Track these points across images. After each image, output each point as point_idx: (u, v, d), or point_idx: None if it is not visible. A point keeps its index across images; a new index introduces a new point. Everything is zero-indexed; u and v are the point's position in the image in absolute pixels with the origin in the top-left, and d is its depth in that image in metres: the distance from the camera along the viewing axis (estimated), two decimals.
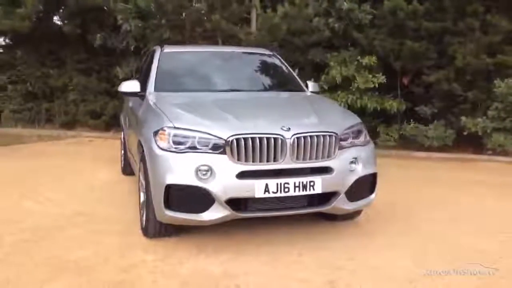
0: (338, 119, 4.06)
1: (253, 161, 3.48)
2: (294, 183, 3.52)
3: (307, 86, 5.17)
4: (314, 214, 4.24)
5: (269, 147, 3.49)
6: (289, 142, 3.51)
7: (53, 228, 4.25)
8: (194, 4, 9.99)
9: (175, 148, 3.53)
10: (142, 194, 4.07)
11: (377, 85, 8.88)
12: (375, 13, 9.15)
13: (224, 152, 3.47)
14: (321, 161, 3.65)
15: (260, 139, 3.48)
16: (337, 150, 3.71)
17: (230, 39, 9.79)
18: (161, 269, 3.38)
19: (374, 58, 8.85)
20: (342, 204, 3.80)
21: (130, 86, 4.69)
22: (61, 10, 12.22)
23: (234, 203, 3.51)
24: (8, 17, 11.23)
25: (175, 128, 3.60)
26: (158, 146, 3.60)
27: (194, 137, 3.53)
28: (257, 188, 3.45)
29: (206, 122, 3.64)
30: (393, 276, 3.32)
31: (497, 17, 8.39)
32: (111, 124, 11.48)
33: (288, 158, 3.53)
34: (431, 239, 4.06)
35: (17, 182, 6.16)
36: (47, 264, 3.47)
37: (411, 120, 9.12)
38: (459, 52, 8.47)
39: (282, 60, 5.53)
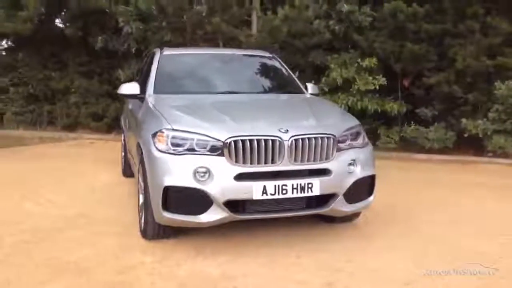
0: (337, 121, 4.07)
1: (251, 163, 3.49)
2: (292, 185, 3.52)
3: (306, 88, 5.18)
4: (313, 216, 4.25)
5: (267, 149, 3.49)
6: (287, 144, 3.52)
7: (53, 230, 4.27)
8: (194, 7, 10.04)
9: (174, 150, 3.54)
10: (141, 196, 4.08)
11: (377, 87, 8.89)
12: (375, 15, 9.17)
13: (222, 154, 3.48)
14: (319, 163, 3.65)
15: (258, 141, 3.49)
16: (335, 152, 3.71)
17: (231, 42, 9.83)
18: (159, 271, 3.39)
19: (374, 60, 8.86)
20: (340, 206, 3.79)
21: (130, 88, 4.71)
22: (63, 13, 12.26)
23: (232, 205, 3.51)
24: (10, 19, 11.29)
25: (173, 130, 3.61)
26: (157, 148, 3.61)
27: (193, 139, 3.54)
28: (255, 190, 3.46)
29: (205, 124, 3.65)
30: (392, 277, 3.32)
31: (497, 19, 8.39)
32: (113, 126, 11.51)
33: (286, 160, 3.53)
34: (431, 241, 4.06)
35: (18, 183, 6.19)
36: (47, 265, 3.49)
37: (412, 122, 9.12)
38: (459, 54, 8.47)
39: (281, 62, 5.55)
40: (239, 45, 9.39)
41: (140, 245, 3.89)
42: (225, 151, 3.47)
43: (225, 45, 9.79)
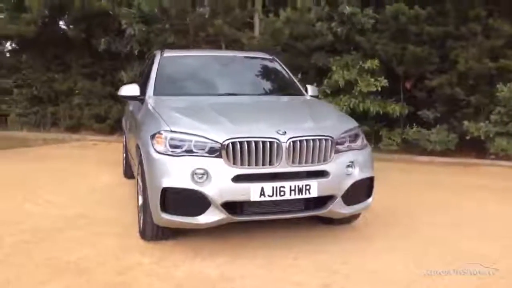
0: (335, 123, 4.07)
1: (248, 165, 3.50)
2: (290, 187, 3.53)
3: (306, 90, 5.18)
4: (311, 218, 4.26)
5: (264, 150, 3.50)
6: (284, 146, 3.53)
7: (53, 230, 4.29)
8: (197, 9, 10.08)
9: (172, 151, 3.56)
10: (140, 197, 4.10)
11: (379, 89, 8.88)
12: (378, 18, 9.17)
13: (220, 156, 3.49)
14: (317, 165, 3.65)
15: (256, 142, 3.50)
16: (333, 153, 3.71)
17: (233, 44, 9.87)
18: (157, 272, 3.40)
19: (376, 62, 8.86)
20: (338, 208, 3.79)
21: (130, 90, 4.74)
22: (66, 15, 12.33)
23: (230, 206, 3.52)
24: (14, 22, 11.38)
25: (171, 131, 3.63)
26: (155, 149, 3.63)
27: (191, 141, 3.55)
28: (252, 192, 3.46)
29: (203, 126, 3.66)
30: (391, 279, 3.32)
31: (499, 21, 8.38)
32: (116, 127, 11.57)
33: (283, 161, 3.54)
34: (431, 243, 4.05)
35: (20, 184, 6.24)
36: (47, 265, 3.50)
37: (414, 124, 9.11)
38: (462, 57, 8.47)
39: (281, 64, 5.55)
40: (241, 47, 9.43)
41: (139, 246, 3.90)
42: (223, 152, 3.48)
43: (227, 47, 9.83)
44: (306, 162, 3.61)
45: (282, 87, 5.34)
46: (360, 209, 4.07)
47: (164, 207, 3.54)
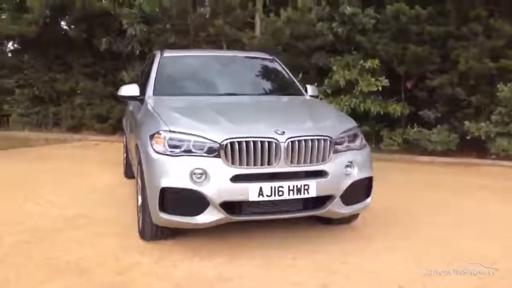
0: (334, 123, 4.07)
1: (247, 165, 3.50)
2: (288, 187, 3.53)
3: (306, 90, 5.19)
4: (310, 218, 4.26)
5: (263, 150, 3.50)
6: (283, 145, 3.53)
7: (53, 230, 4.30)
8: (198, 9, 10.09)
9: (171, 151, 3.56)
10: (139, 197, 4.11)
11: (380, 89, 8.88)
12: (378, 18, 9.16)
13: (218, 156, 3.49)
14: (316, 165, 3.65)
15: (254, 142, 3.50)
16: (331, 154, 3.71)
17: (234, 43, 9.87)
18: (156, 272, 3.41)
19: (376, 61, 8.86)
20: (337, 208, 3.80)
21: (130, 90, 4.75)
22: (67, 16, 12.35)
23: (229, 206, 3.53)
24: (15, 22, 11.41)
25: (170, 131, 3.63)
26: (154, 149, 3.63)
27: (189, 141, 3.56)
28: (251, 192, 3.47)
29: (202, 126, 3.67)
30: (390, 279, 3.32)
31: (500, 21, 8.38)
32: (117, 127, 11.56)
33: (282, 161, 3.54)
34: (432, 243, 4.05)
35: (21, 184, 6.25)
36: (47, 265, 3.51)
37: (415, 124, 9.10)
38: (462, 57, 8.47)
39: (281, 64, 5.55)
40: (242, 47, 9.43)
41: (139, 245, 3.91)
42: (222, 152, 3.49)
43: (228, 47, 9.84)
44: (304, 162, 3.62)
45: (281, 87, 5.35)
46: (359, 209, 4.07)
47: (163, 207, 3.55)
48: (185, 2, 9.76)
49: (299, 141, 3.59)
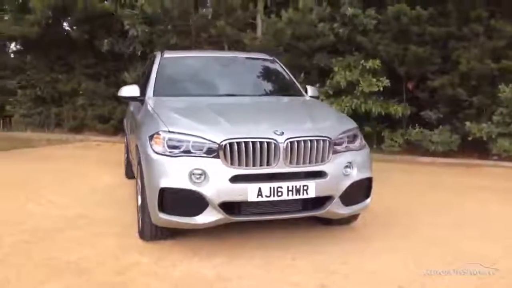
0: (333, 123, 4.06)
1: (246, 165, 3.51)
2: (288, 187, 3.54)
3: (306, 91, 5.19)
4: (310, 218, 4.26)
5: (262, 151, 3.51)
6: (282, 146, 3.53)
7: (53, 230, 4.31)
8: (200, 10, 10.12)
9: (170, 152, 3.57)
10: (139, 197, 4.12)
11: (381, 89, 8.87)
12: (379, 18, 9.16)
13: (217, 156, 3.50)
14: (315, 166, 3.66)
15: (253, 143, 3.50)
16: (331, 154, 3.72)
17: (236, 44, 9.89)
18: (155, 272, 3.41)
19: (377, 62, 8.85)
20: (337, 209, 3.80)
21: (130, 90, 4.76)
22: (69, 17, 12.39)
23: (228, 206, 3.53)
24: (18, 23, 11.45)
25: (169, 132, 3.64)
26: (153, 150, 3.64)
27: (189, 141, 3.57)
28: (250, 192, 3.47)
29: (201, 126, 3.68)
30: (389, 279, 3.32)
31: (501, 22, 8.36)
32: (119, 128, 11.59)
33: (281, 162, 3.55)
34: (432, 243, 4.04)
35: (23, 184, 6.27)
36: (46, 265, 3.52)
37: (416, 125, 9.09)
38: (464, 57, 8.45)
39: (281, 65, 5.56)
40: (243, 48, 9.45)
41: (138, 246, 3.92)
42: (221, 153, 3.49)
43: (230, 48, 9.86)
44: (303, 162, 3.62)
45: (281, 88, 5.35)
46: (358, 210, 4.07)
47: (162, 207, 3.56)
48: (187, 3, 9.79)
49: (298, 141, 3.59)
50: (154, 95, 4.66)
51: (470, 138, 8.47)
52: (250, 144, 3.50)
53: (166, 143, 3.60)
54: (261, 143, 3.52)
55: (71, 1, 11.11)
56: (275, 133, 3.57)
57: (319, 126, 3.87)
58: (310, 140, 3.63)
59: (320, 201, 3.74)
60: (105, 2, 11.53)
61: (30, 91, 12.77)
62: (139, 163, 3.96)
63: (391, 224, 4.59)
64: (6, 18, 12.52)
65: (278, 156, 3.53)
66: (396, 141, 9.14)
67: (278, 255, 3.71)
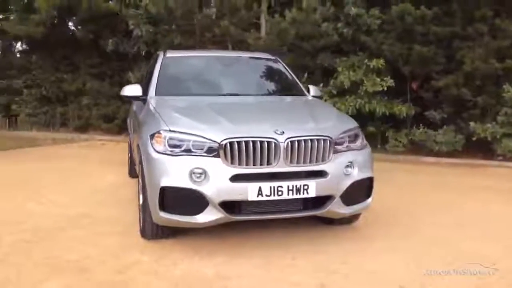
0: (334, 123, 4.06)
1: (246, 165, 3.51)
2: (288, 187, 3.54)
3: (308, 91, 5.19)
4: (311, 218, 4.26)
5: (262, 150, 3.51)
6: (282, 145, 3.53)
7: (55, 229, 4.33)
8: (204, 10, 10.13)
9: (171, 151, 3.58)
10: (141, 196, 4.13)
11: (385, 88, 8.84)
12: (384, 18, 9.14)
13: (218, 155, 3.50)
14: (315, 165, 3.65)
15: (254, 142, 3.51)
16: (331, 154, 3.71)
17: (240, 44, 9.90)
18: (156, 270, 3.42)
19: (381, 61, 8.83)
20: (337, 208, 3.79)
21: (132, 90, 4.79)
22: (74, 17, 12.44)
23: (228, 206, 3.54)
24: (23, 23, 11.51)
25: (170, 131, 3.65)
26: (154, 149, 3.65)
27: (189, 141, 3.57)
28: (250, 191, 3.48)
29: (201, 125, 3.68)
30: (389, 279, 3.31)
31: (506, 21, 8.32)
32: (124, 127, 11.58)
33: (281, 161, 3.55)
34: (433, 243, 4.03)
35: (26, 183, 6.30)
36: (47, 264, 3.53)
37: (420, 125, 9.06)
38: (468, 57, 8.42)
39: (284, 64, 5.56)
40: (247, 48, 9.45)
41: (139, 244, 3.93)
42: (221, 152, 3.50)
43: (234, 48, 9.87)
44: (304, 162, 3.62)
45: (284, 88, 5.35)
46: (359, 210, 4.06)
47: (163, 206, 3.56)
48: (191, 3, 9.81)
49: (298, 141, 3.59)
50: (156, 94, 4.68)
51: (474, 138, 8.43)
52: (251, 144, 3.50)
53: (167, 142, 3.61)
54: (261, 142, 3.52)
55: (76, 1, 11.15)
56: (275, 132, 3.58)
57: (320, 125, 3.87)
58: (311, 140, 3.63)
59: (321, 201, 3.74)
60: (110, 2, 11.56)
61: (36, 90, 12.83)
62: (141, 162, 3.98)
63: (392, 224, 4.58)
64: (12, 18, 12.59)
65: (278, 155, 3.53)
66: (400, 141, 9.11)
67: (278, 254, 3.71)
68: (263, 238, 4.07)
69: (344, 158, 3.80)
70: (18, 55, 13.99)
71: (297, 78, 5.50)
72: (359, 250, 3.87)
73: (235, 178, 3.49)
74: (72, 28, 12.90)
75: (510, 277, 3.37)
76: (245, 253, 3.74)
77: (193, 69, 5.23)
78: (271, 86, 5.46)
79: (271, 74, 5.49)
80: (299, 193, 3.57)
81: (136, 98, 4.85)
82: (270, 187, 3.50)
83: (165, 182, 3.51)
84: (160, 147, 3.63)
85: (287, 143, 3.55)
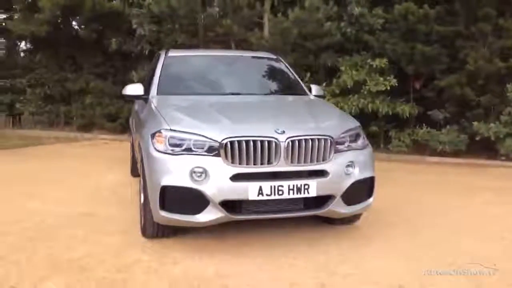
0: (335, 122, 4.07)
1: (247, 164, 3.51)
2: (288, 186, 3.54)
3: (310, 90, 5.18)
4: (312, 217, 4.26)
5: (263, 150, 3.51)
6: (283, 145, 3.53)
7: (56, 227, 4.34)
8: (207, 9, 10.13)
9: (171, 150, 3.59)
10: (142, 195, 4.14)
11: (388, 88, 8.82)
12: (387, 17, 9.12)
13: (218, 155, 3.51)
14: (316, 164, 3.65)
15: (254, 142, 3.51)
16: (332, 153, 3.71)
17: (243, 43, 9.89)
18: (155, 269, 3.43)
19: (384, 60, 8.81)
20: (338, 208, 3.79)
21: (134, 89, 4.80)
22: (78, 16, 12.47)
23: (229, 205, 3.55)
24: (27, 22, 11.54)
25: (171, 130, 3.66)
26: (155, 148, 3.66)
27: (190, 140, 3.58)
28: (250, 191, 3.48)
29: (202, 125, 3.69)
30: (389, 279, 3.31)
31: (509, 21, 8.30)
32: (127, 126, 11.60)
33: (282, 161, 3.55)
34: (433, 243, 4.03)
35: (29, 182, 6.32)
36: (47, 262, 3.55)
37: (424, 124, 9.04)
38: (471, 56, 8.39)
39: (286, 63, 5.56)
40: (250, 47, 9.45)
41: (140, 243, 3.94)
42: (222, 151, 3.50)
43: (237, 47, 9.87)
44: (305, 161, 3.62)
45: (285, 87, 5.35)
46: (360, 209, 4.05)
47: (163, 205, 3.57)
48: (194, 2, 9.81)
49: (299, 140, 3.59)
50: (157, 93, 4.69)
51: (477, 138, 8.41)
52: (251, 143, 3.51)
53: (168, 141, 3.62)
54: (262, 141, 3.52)
55: (80, 0, 11.18)
56: (276, 131, 3.58)
57: (321, 125, 3.87)
58: (311, 139, 3.63)
59: (322, 200, 3.74)
60: (113, 1, 11.60)
61: (40, 89, 12.86)
62: (142, 161, 3.99)
63: (393, 223, 4.58)
64: (16, 17, 12.63)
65: (279, 154, 3.54)
66: (403, 141, 9.09)
67: (278, 254, 3.72)
68: (263, 238, 4.07)
69: (345, 158, 3.79)
70: (22, 54, 14.04)
71: (300, 77, 5.50)
72: (360, 250, 3.86)
73: (236, 178, 3.49)
74: (76, 27, 12.91)
75: (510, 277, 3.37)
76: (245, 253, 3.74)
77: (195, 68, 5.24)
78: (273, 85, 5.46)
79: (273, 73, 5.49)
80: (300, 193, 3.57)
81: (138, 97, 4.86)
82: (271, 187, 3.50)
83: (166, 181, 3.52)
84: (161, 146, 3.64)
85: (288, 142, 3.55)
